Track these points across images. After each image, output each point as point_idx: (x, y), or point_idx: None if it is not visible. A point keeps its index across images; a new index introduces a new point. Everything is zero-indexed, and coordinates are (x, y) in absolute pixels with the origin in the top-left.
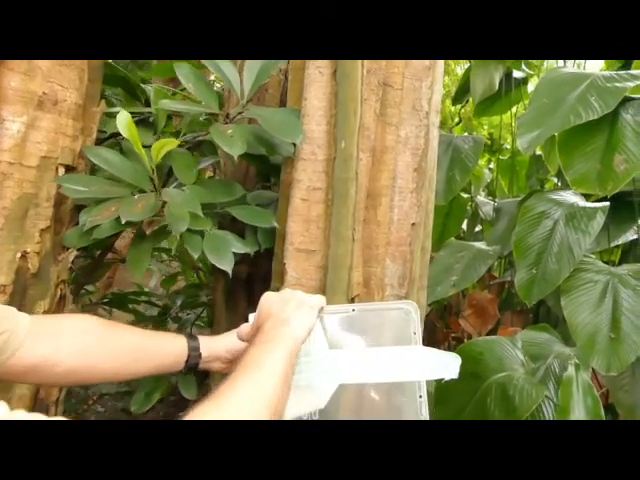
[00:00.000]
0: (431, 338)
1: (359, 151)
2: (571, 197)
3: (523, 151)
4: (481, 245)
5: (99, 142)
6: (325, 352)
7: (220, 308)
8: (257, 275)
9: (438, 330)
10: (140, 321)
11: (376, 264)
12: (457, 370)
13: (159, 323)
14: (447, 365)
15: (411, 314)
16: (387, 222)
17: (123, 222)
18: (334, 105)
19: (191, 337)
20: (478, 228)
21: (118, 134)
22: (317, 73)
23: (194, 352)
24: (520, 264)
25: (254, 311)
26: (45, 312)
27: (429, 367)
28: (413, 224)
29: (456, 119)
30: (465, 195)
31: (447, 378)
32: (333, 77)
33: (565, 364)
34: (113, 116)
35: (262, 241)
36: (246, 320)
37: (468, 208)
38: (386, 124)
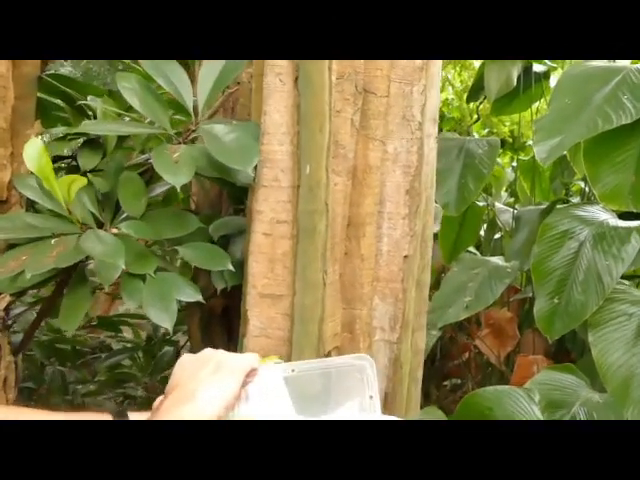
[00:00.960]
0: (450, 350)
1: (331, 175)
2: (600, 214)
3: (541, 161)
4: (498, 261)
5: None
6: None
7: (197, 343)
8: (235, 308)
9: (458, 340)
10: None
11: (361, 305)
12: None
13: (149, 348)
14: None
15: (366, 371)
16: (374, 255)
17: (28, 277)
18: (297, 120)
19: (119, 413)
20: (497, 235)
21: (67, 157)
22: (277, 81)
23: None
24: (540, 291)
25: (233, 347)
26: None
27: None
28: (406, 256)
29: (474, 116)
30: (481, 203)
31: None
32: (296, 85)
33: (593, 414)
34: (64, 137)
35: (228, 278)
36: None
37: (485, 216)
38: (369, 139)
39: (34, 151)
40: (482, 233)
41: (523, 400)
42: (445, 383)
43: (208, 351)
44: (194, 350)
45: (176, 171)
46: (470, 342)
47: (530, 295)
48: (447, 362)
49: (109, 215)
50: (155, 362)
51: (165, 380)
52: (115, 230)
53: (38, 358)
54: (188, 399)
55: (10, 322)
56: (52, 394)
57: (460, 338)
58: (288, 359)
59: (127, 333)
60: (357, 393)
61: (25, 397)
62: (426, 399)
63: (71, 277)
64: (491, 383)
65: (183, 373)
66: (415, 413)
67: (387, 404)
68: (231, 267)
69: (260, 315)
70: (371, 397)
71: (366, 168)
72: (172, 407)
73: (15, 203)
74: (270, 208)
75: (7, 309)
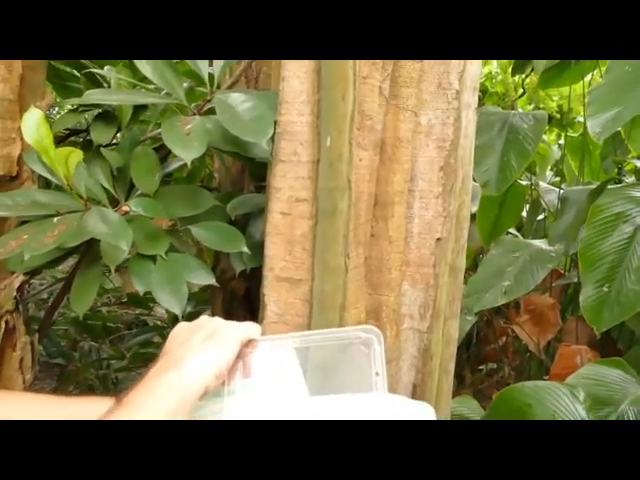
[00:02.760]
0: (486, 333)
1: (355, 149)
2: None
3: (595, 136)
4: (541, 244)
5: (59, 142)
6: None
7: None
8: (257, 290)
9: (495, 324)
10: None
11: (388, 291)
12: None
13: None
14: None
15: (373, 346)
16: (403, 237)
17: (26, 258)
18: (318, 87)
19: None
20: (541, 217)
21: (82, 131)
22: None
23: None
24: (587, 278)
25: None
26: None
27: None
28: (438, 239)
29: (519, 90)
30: (524, 182)
31: None
32: None
33: None
34: (76, 109)
35: (247, 260)
36: None
37: (528, 196)
38: (399, 109)
39: (32, 122)
40: (524, 214)
41: (566, 397)
42: (480, 367)
43: (204, 318)
44: None
45: (187, 145)
46: (508, 326)
47: (575, 280)
48: (483, 346)
49: (123, 192)
50: None
51: None
52: (126, 208)
53: (72, 334)
54: (174, 366)
55: (29, 300)
56: (85, 370)
57: (497, 322)
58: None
59: (161, 308)
60: (363, 368)
61: (55, 374)
62: (460, 383)
63: (84, 256)
64: (529, 370)
65: (175, 339)
66: (446, 406)
67: (416, 396)
68: (246, 249)
69: (278, 300)
70: (377, 374)
71: (396, 142)
72: (157, 374)
73: (27, 179)
74: (288, 185)
75: (21, 289)
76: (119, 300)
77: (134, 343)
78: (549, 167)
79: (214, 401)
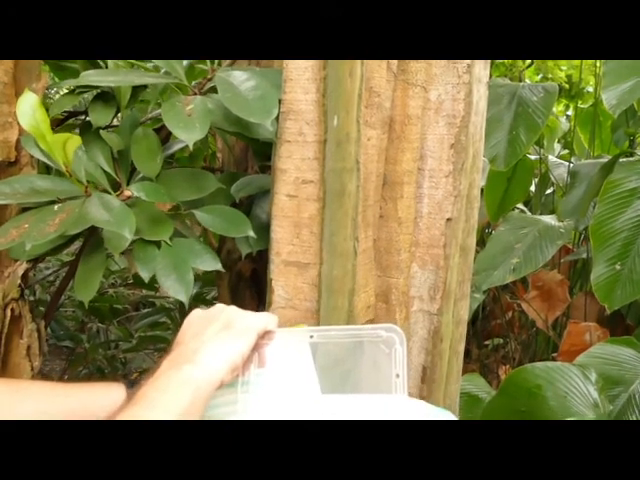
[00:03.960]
0: (493, 309)
1: (363, 128)
2: None
3: (610, 109)
4: (550, 220)
5: (58, 124)
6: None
7: (227, 304)
8: (263, 271)
9: (501, 299)
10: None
11: (398, 273)
12: None
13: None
14: None
15: (395, 347)
16: (412, 218)
17: (27, 248)
18: (324, 64)
19: (131, 383)
20: (549, 191)
21: (80, 112)
22: None
23: None
24: (599, 256)
25: (263, 310)
26: None
27: None
28: (449, 219)
29: (527, 60)
30: (532, 157)
31: None
32: None
33: None
34: (73, 91)
35: (253, 243)
36: None
37: (537, 170)
38: (408, 85)
39: (28, 107)
40: (532, 189)
41: (577, 378)
42: (487, 342)
43: (220, 306)
44: None
45: (188, 126)
46: (514, 301)
47: (584, 256)
48: (489, 321)
49: (125, 175)
50: None
51: None
52: (128, 192)
53: (79, 317)
54: (187, 359)
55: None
56: (94, 351)
57: (504, 297)
58: None
59: None
60: (382, 369)
61: (64, 356)
62: (466, 358)
63: (87, 242)
64: (536, 345)
65: (188, 330)
66: (456, 387)
67: (426, 379)
68: (252, 234)
69: (286, 285)
70: (397, 376)
71: (405, 119)
72: (170, 369)
73: (26, 164)
74: (295, 166)
75: (25, 276)
76: (125, 282)
77: (142, 325)
78: (557, 139)
79: (228, 392)
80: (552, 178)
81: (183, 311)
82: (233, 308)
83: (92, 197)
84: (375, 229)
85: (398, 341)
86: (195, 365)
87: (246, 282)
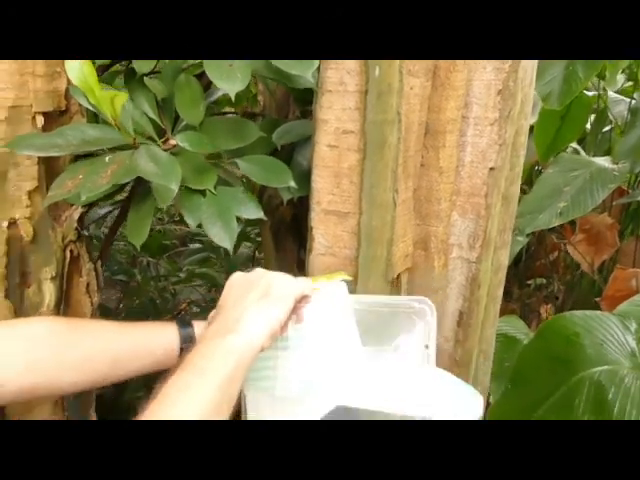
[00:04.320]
0: (537, 249)
1: (406, 77)
2: None
3: None
4: (604, 162)
5: (103, 71)
6: (317, 354)
7: (269, 248)
8: (305, 215)
9: (547, 239)
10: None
11: (437, 222)
12: (479, 411)
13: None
14: (466, 402)
15: (426, 317)
16: (454, 167)
17: (83, 199)
18: None
19: (183, 324)
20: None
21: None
22: None
23: (188, 343)
24: None
25: (304, 254)
26: (55, 277)
27: (443, 400)
28: (492, 168)
29: None
30: (590, 93)
31: (465, 419)
32: None
33: None
34: None
35: (294, 189)
36: (295, 260)
37: (595, 105)
38: None
39: (75, 60)
40: (587, 126)
41: (616, 328)
42: (529, 282)
43: (259, 272)
44: (267, 256)
45: (230, 77)
46: (560, 241)
47: (639, 199)
48: (533, 261)
49: (170, 123)
50: (230, 262)
51: None
52: (173, 142)
53: (130, 251)
54: (231, 329)
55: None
56: (146, 284)
57: (549, 237)
58: (355, 279)
59: None
60: (413, 338)
61: (120, 288)
62: (507, 297)
63: (136, 190)
64: (580, 287)
65: (230, 294)
66: (492, 331)
67: (462, 323)
68: (293, 184)
69: (325, 233)
70: (427, 347)
71: (450, 65)
72: (216, 336)
73: (76, 112)
74: (335, 117)
75: (81, 219)
76: (172, 218)
77: (190, 261)
78: (620, 70)
79: (267, 357)
80: (610, 116)
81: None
82: (272, 274)
83: (140, 149)
84: (415, 178)
85: (429, 313)
86: (238, 334)
87: (287, 227)
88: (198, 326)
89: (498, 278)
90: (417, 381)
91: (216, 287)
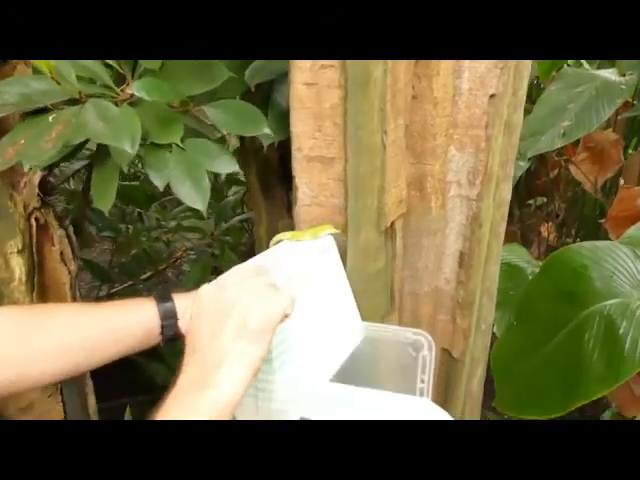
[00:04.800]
0: (537, 168)
1: None
2: None
3: None
4: (609, 75)
5: None
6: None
7: (256, 195)
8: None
9: (546, 160)
10: None
11: (433, 160)
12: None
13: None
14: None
15: (422, 352)
16: (450, 97)
17: (26, 168)
18: None
19: (163, 298)
20: None
21: None
22: None
23: (169, 319)
24: None
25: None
26: (22, 249)
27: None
28: (492, 95)
29: None
30: None
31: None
32: None
33: None
34: None
35: (274, 133)
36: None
37: None
38: None
39: None
40: None
41: (627, 258)
42: (529, 202)
43: (231, 293)
44: (255, 204)
45: None
46: (561, 159)
47: None
48: (533, 180)
49: (129, 68)
50: (218, 210)
51: (230, 233)
52: (129, 91)
53: (119, 204)
54: (210, 381)
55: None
56: (137, 236)
57: (550, 156)
58: (344, 231)
59: None
60: (407, 373)
61: (108, 244)
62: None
63: (100, 147)
64: (582, 206)
65: (202, 326)
66: (495, 268)
67: (463, 264)
68: (268, 131)
69: (310, 182)
70: (422, 381)
71: None
72: (194, 389)
73: (19, 62)
74: None
75: (43, 184)
76: None
77: (178, 211)
78: None
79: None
80: None
81: (217, 195)
82: (246, 296)
83: (87, 104)
84: (407, 113)
85: (427, 346)
86: (218, 388)
87: (274, 170)
88: (179, 299)
89: (500, 213)
90: (406, 413)
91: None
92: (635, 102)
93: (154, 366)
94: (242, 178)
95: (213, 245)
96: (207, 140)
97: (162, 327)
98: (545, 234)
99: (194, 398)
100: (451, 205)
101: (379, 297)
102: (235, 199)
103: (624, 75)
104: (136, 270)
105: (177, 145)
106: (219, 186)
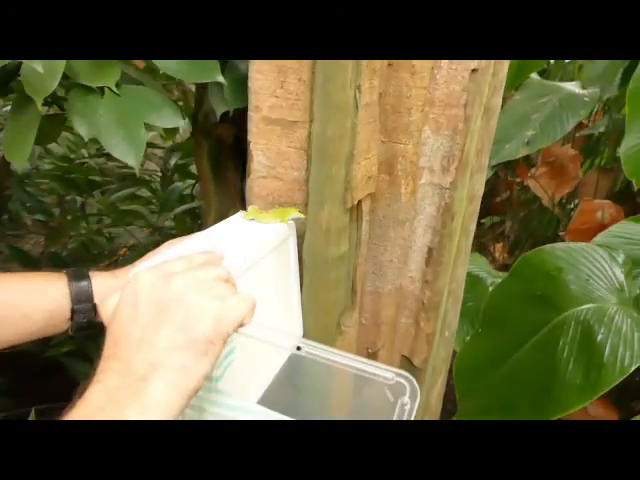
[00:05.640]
0: (495, 186)
1: None
2: None
3: None
4: (573, 87)
5: None
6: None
7: (207, 178)
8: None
9: (501, 180)
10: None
11: (406, 138)
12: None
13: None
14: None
15: (403, 398)
16: (429, 68)
17: None
18: None
19: (77, 276)
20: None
21: None
22: None
23: (82, 303)
24: (633, 125)
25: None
26: None
27: None
28: (474, 70)
29: None
30: None
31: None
32: None
33: None
34: None
35: (230, 99)
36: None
37: None
38: None
39: None
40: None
41: (602, 260)
42: (483, 221)
43: (176, 286)
44: (205, 190)
45: None
46: (514, 180)
47: (602, 130)
48: (489, 199)
49: None
50: (163, 200)
51: (178, 224)
52: None
53: (56, 189)
54: (134, 397)
55: None
56: (74, 225)
57: (504, 173)
58: (304, 209)
59: (153, 162)
60: (381, 416)
61: (38, 228)
62: None
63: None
64: (537, 221)
65: (133, 322)
66: (462, 270)
67: (431, 261)
68: (222, 79)
69: (267, 149)
70: None
71: None
72: (113, 401)
73: None
74: None
75: None
76: (100, 151)
77: (118, 198)
78: None
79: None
80: None
81: (165, 183)
82: (193, 293)
83: None
84: (382, 81)
85: (408, 392)
86: (143, 409)
87: (228, 151)
88: (98, 278)
89: (472, 208)
90: None
91: (158, 231)
92: (590, 124)
93: (78, 367)
94: (190, 169)
95: (155, 234)
96: (147, 88)
97: (72, 311)
98: (497, 255)
99: (111, 415)
100: (422, 194)
101: (339, 289)
102: (184, 191)
103: (586, 89)
104: (73, 265)
105: (110, 89)
106: (167, 172)
